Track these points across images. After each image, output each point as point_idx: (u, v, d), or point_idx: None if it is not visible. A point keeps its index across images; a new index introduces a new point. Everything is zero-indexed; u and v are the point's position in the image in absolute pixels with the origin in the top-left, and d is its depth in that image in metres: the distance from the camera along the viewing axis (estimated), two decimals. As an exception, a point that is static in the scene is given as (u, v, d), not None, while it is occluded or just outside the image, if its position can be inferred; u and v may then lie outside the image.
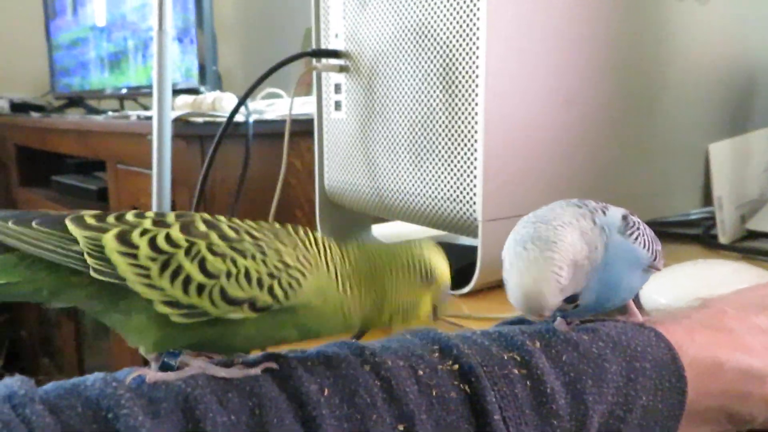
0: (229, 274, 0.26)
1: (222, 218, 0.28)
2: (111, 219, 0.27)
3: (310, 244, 0.29)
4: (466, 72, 0.54)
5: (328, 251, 0.29)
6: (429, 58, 0.57)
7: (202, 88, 1.36)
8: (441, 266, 0.31)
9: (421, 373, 0.28)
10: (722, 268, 0.48)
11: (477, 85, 0.53)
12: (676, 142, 0.71)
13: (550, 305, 0.29)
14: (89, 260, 0.26)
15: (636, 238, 0.33)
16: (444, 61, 0.56)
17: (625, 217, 0.34)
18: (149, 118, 1.04)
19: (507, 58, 0.54)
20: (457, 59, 0.55)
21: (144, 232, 0.26)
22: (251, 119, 1.06)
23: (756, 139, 0.75)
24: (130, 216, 0.27)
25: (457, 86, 0.55)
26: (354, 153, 0.67)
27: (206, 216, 0.28)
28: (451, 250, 0.64)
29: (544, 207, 0.34)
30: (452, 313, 0.52)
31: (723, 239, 0.69)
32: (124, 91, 1.66)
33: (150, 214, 0.27)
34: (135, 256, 0.26)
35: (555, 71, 0.58)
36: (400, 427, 0.26)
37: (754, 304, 0.35)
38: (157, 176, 0.90)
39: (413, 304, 0.30)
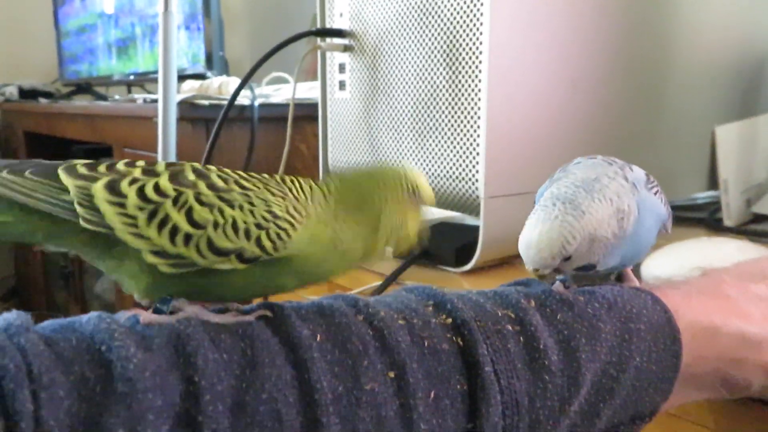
0: (216, 225, 0.26)
1: (212, 168, 0.28)
2: (102, 168, 0.27)
3: (299, 191, 0.28)
4: (470, 49, 0.54)
5: (313, 193, 0.29)
6: (433, 36, 0.57)
7: (209, 74, 1.36)
8: (425, 183, 0.31)
9: (414, 324, 0.28)
10: (725, 245, 0.48)
11: (480, 61, 0.53)
12: (682, 124, 0.70)
13: (544, 264, 0.30)
14: (79, 210, 0.26)
15: (656, 194, 0.34)
16: (448, 38, 0.56)
17: (647, 174, 0.34)
18: (155, 101, 1.04)
19: (511, 36, 0.53)
20: (461, 37, 0.54)
21: (133, 181, 0.26)
22: (257, 103, 1.06)
23: (764, 123, 0.74)
24: (120, 165, 0.27)
25: (460, 64, 0.55)
26: (358, 133, 0.67)
27: (197, 165, 0.28)
28: (454, 230, 0.64)
29: (588, 166, 0.33)
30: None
31: (728, 222, 0.68)
32: (132, 77, 1.66)
33: (140, 163, 0.27)
34: (123, 205, 0.26)
35: (560, 51, 0.57)
36: (391, 374, 0.26)
37: (753, 274, 0.34)
38: (162, 158, 0.91)
39: (405, 224, 0.30)
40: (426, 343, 0.28)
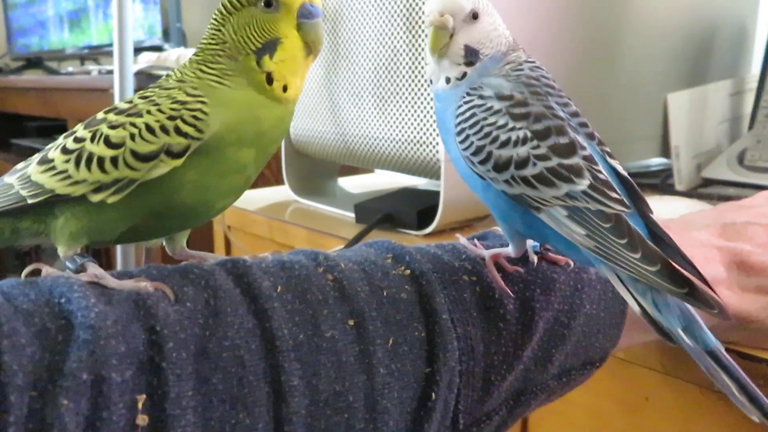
0: (132, 136, 0.27)
1: (121, 102, 0.29)
2: (36, 156, 0.29)
3: (186, 74, 0.28)
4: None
5: (186, 71, 0.29)
6: (393, -1, 0.57)
7: (165, 46, 1.33)
8: None
9: (373, 275, 0.29)
10: (675, 203, 0.50)
11: (440, 25, 0.53)
12: (636, 90, 0.72)
13: (452, 7, 0.30)
14: (23, 192, 0.28)
15: (464, 134, 0.29)
16: (407, 1, 0.56)
17: (504, 98, 0.30)
18: (110, 72, 1.01)
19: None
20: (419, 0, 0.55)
21: (56, 147, 0.28)
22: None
23: (714, 91, 0.77)
24: (52, 144, 0.29)
25: (420, 26, 0.55)
26: (320, 100, 0.67)
27: (110, 106, 0.29)
28: (415, 194, 0.65)
29: None
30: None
31: (679, 187, 0.71)
32: (85, 50, 1.61)
33: (66, 134, 0.29)
34: (53, 168, 0.27)
35: (516, 15, 0.58)
36: (351, 322, 0.27)
37: (696, 223, 0.36)
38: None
39: (279, 41, 0.28)
40: (385, 293, 0.28)
